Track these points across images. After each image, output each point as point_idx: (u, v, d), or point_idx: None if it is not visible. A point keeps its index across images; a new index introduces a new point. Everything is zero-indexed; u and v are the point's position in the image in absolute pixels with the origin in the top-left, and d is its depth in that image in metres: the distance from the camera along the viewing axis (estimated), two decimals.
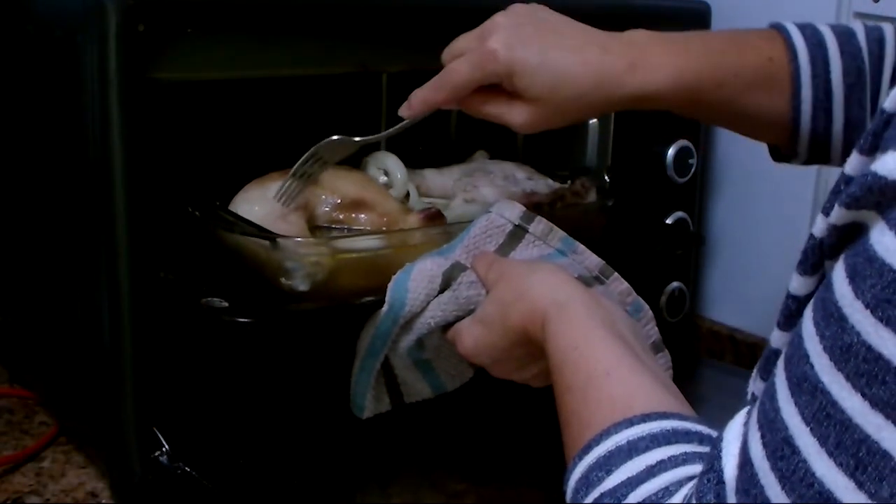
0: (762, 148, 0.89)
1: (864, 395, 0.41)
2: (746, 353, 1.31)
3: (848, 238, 0.45)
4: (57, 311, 0.96)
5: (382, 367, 0.83)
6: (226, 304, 0.79)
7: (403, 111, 0.83)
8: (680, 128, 1.19)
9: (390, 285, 0.79)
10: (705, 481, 0.47)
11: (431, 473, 1.01)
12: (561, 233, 0.85)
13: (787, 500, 0.43)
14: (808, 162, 0.86)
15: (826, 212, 0.48)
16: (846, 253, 0.44)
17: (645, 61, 0.79)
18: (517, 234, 0.84)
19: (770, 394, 0.46)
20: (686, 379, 1.03)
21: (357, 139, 0.87)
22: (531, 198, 0.93)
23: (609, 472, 0.52)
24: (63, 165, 0.87)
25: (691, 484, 0.49)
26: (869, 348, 0.41)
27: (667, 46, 0.80)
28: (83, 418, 0.95)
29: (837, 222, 0.45)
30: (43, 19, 0.89)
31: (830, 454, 0.42)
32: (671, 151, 1.18)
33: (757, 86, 0.82)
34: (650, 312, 0.84)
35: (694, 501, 0.47)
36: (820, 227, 0.49)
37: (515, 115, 0.79)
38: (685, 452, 0.52)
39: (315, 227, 0.87)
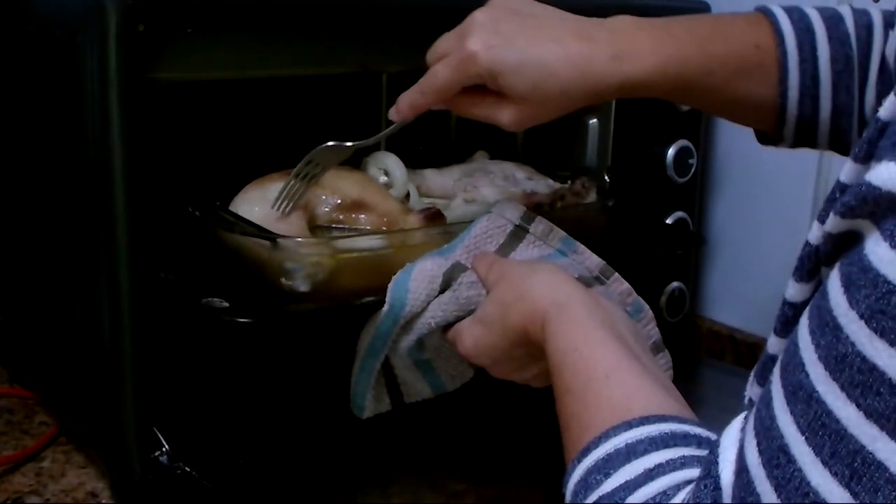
0: (762, 148, 0.89)
1: (858, 405, 0.41)
2: (746, 353, 1.31)
3: (843, 246, 0.45)
4: (57, 311, 0.96)
5: (383, 367, 0.83)
6: (226, 305, 0.79)
7: (392, 115, 0.82)
8: (680, 128, 1.19)
9: (391, 286, 0.79)
10: (702, 486, 0.47)
11: (431, 473, 1.01)
12: (561, 233, 0.85)
13: None
14: (794, 146, 0.85)
15: (821, 219, 0.47)
16: (841, 261, 0.44)
17: (629, 50, 0.77)
18: (518, 234, 0.84)
19: (766, 401, 0.46)
20: (686, 379, 1.03)
21: (349, 144, 0.86)
22: (531, 198, 0.93)
23: (607, 475, 0.52)
24: (63, 165, 0.87)
25: (689, 488, 0.49)
26: (863, 359, 0.40)
27: (652, 33, 0.78)
28: (83, 418, 0.95)
29: (833, 230, 0.45)
30: (43, 19, 0.89)
31: (825, 464, 0.41)
32: (671, 151, 1.18)
33: (744, 73, 0.81)
34: (650, 313, 0.84)
35: None
36: (815, 234, 0.49)
37: (503, 114, 0.78)
38: (683, 456, 0.52)
39: (315, 227, 0.87)
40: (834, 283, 0.43)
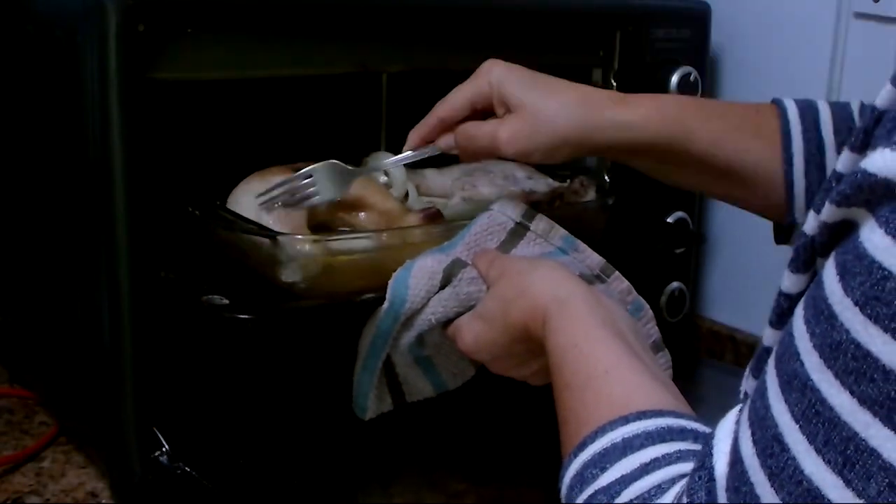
0: None
1: (852, 392, 0.41)
2: (746, 353, 1.31)
3: (839, 236, 0.45)
4: (57, 311, 0.96)
5: (384, 366, 0.83)
6: (226, 302, 0.79)
7: (406, 147, 0.88)
8: None
9: (391, 282, 0.79)
10: (696, 479, 0.47)
11: (432, 473, 1.01)
12: (562, 231, 0.85)
13: (777, 498, 0.43)
14: None
15: (817, 209, 0.48)
16: (837, 250, 0.44)
17: (628, 97, 0.83)
18: (518, 231, 0.84)
19: (761, 391, 0.46)
20: (686, 379, 1.03)
21: (352, 168, 0.88)
22: (530, 197, 0.93)
23: (603, 470, 0.52)
24: (63, 165, 0.87)
25: (683, 482, 0.49)
26: (858, 346, 0.41)
27: (649, 94, 0.84)
28: (83, 418, 0.95)
29: (828, 220, 0.45)
30: (43, 19, 0.89)
31: (819, 452, 0.41)
32: None
33: (744, 127, 0.82)
34: (650, 312, 0.84)
35: (685, 500, 0.47)
36: (811, 224, 0.49)
37: (501, 130, 0.81)
38: (679, 450, 0.52)
39: (315, 225, 0.87)
40: (829, 271, 0.43)
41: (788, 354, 0.44)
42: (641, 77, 1.13)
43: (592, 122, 0.80)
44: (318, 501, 0.96)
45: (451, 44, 0.98)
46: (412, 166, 0.95)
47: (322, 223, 0.88)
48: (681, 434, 0.53)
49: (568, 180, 1.01)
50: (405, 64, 0.97)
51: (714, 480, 0.46)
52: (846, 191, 0.43)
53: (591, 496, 0.52)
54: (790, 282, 0.52)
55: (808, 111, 0.82)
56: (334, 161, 0.86)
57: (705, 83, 1.18)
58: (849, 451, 0.41)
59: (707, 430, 0.54)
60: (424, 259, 0.80)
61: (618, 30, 1.10)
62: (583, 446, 0.55)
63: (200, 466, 0.87)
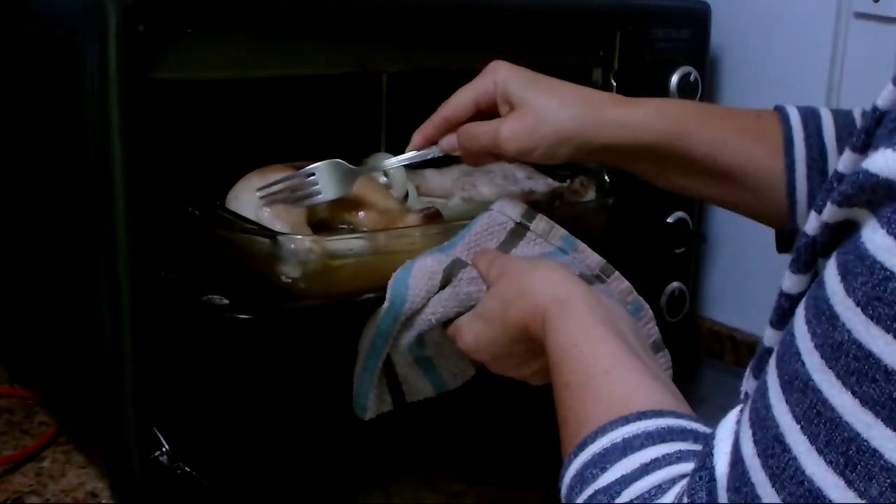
0: None
1: (854, 392, 0.41)
2: (746, 353, 1.31)
3: (840, 236, 0.45)
4: (57, 311, 0.96)
5: (384, 366, 0.83)
6: (226, 302, 0.79)
7: (410, 147, 0.88)
8: None
9: (391, 282, 0.79)
10: (697, 479, 0.47)
11: (432, 473, 1.01)
12: (562, 231, 0.85)
13: (778, 498, 0.43)
14: None
15: (818, 209, 0.48)
16: (838, 251, 0.44)
17: (630, 99, 0.84)
18: (518, 231, 0.84)
19: (762, 391, 0.46)
20: (686, 379, 1.03)
21: (355, 168, 0.88)
22: (530, 196, 0.93)
23: (603, 470, 0.52)
24: (63, 165, 0.87)
25: (684, 482, 0.49)
26: (859, 346, 0.41)
27: (650, 98, 0.85)
28: (83, 418, 0.95)
29: (830, 220, 0.45)
30: (43, 19, 0.89)
31: (820, 452, 0.41)
32: None
33: (746, 132, 0.82)
34: (650, 312, 0.84)
35: (686, 500, 0.47)
36: (812, 224, 0.49)
37: (503, 126, 0.81)
38: (679, 450, 0.52)
39: (314, 224, 0.87)
40: (831, 272, 0.43)
41: (789, 355, 0.44)
42: (641, 77, 1.13)
43: (594, 121, 0.81)
44: (318, 501, 0.96)
45: (450, 44, 0.98)
46: (412, 166, 0.95)
47: (321, 222, 0.88)
48: (681, 434, 0.53)
49: (568, 180, 1.01)
50: (405, 64, 0.97)
51: (715, 480, 0.46)
52: (848, 191, 0.43)
53: (591, 496, 0.52)
54: (791, 282, 0.52)
55: (811, 117, 0.82)
56: (338, 160, 0.86)
57: (705, 83, 1.18)
58: (850, 452, 0.41)
59: (707, 430, 0.54)
60: (424, 259, 0.80)
61: (618, 30, 1.10)
62: (583, 446, 0.55)
63: (200, 466, 0.87)
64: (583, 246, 0.85)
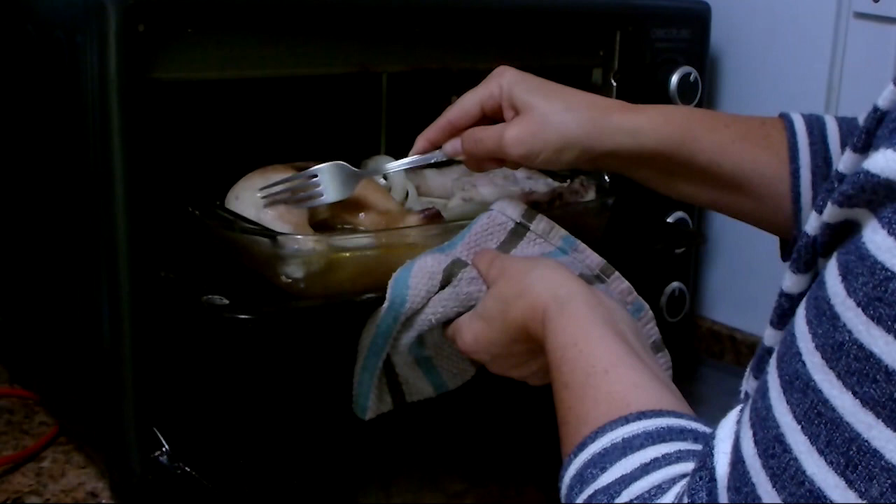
0: None
1: (854, 393, 0.41)
2: (746, 353, 1.31)
3: (841, 236, 0.45)
4: (57, 311, 0.96)
5: (384, 366, 0.83)
6: (226, 302, 0.79)
7: (414, 150, 0.88)
8: None
9: (391, 282, 0.79)
10: (697, 479, 0.47)
11: (432, 473, 1.01)
12: (562, 231, 0.85)
13: (778, 498, 0.43)
14: None
15: (819, 209, 0.48)
16: (839, 251, 0.44)
17: (635, 106, 0.83)
18: (518, 231, 0.84)
19: (762, 392, 0.46)
20: (686, 379, 1.03)
21: (357, 170, 0.88)
22: (530, 197, 0.93)
23: (603, 470, 0.52)
24: (63, 165, 0.87)
25: (684, 482, 0.49)
26: (860, 346, 0.41)
27: (656, 105, 0.85)
28: (83, 418, 0.95)
29: (830, 220, 0.45)
30: (43, 19, 0.89)
31: (821, 452, 0.42)
32: None
33: (751, 138, 0.82)
34: (650, 312, 0.84)
35: (686, 500, 0.47)
36: (813, 224, 0.49)
37: (507, 131, 0.81)
38: (679, 450, 0.52)
39: (315, 224, 0.87)
40: (832, 272, 0.43)
41: (790, 355, 0.44)
42: (641, 77, 1.13)
43: (599, 126, 0.80)
44: (318, 501, 0.96)
45: (451, 44, 0.98)
46: (412, 168, 0.95)
47: (322, 223, 0.88)
48: (681, 434, 0.53)
49: (568, 180, 1.01)
50: (405, 64, 0.97)
51: (715, 481, 0.46)
52: (848, 191, 0.43)
53: (591, 496, 0.52)
54: (792, 282, 0.52)
55: (815, 124, 0.82)
56: (341, 163, 0.86)
57: (705, 83, 1.18)
58: (851, 453, 0.41)
59: (707, 430, 0.54)
60: (424, 259, 0.80)
61: (618, 30, 1.10)
62: (583, 446, 0.55)
63: (200, 466, 0.87)
64: (583, 246, 0.85)
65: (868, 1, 1.13)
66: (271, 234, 0.81)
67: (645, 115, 0.81)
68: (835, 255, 0.44)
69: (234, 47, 0.85)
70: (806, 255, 0.51)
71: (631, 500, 0.50)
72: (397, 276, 0.79)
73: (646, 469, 0.51)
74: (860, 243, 0.42)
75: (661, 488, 0.49)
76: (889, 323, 0.40)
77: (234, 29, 0.85)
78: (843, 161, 0.48)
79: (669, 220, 1.22)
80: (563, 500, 0.55)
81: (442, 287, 0.79)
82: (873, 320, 0.40)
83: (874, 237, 0.41)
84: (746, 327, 1.34)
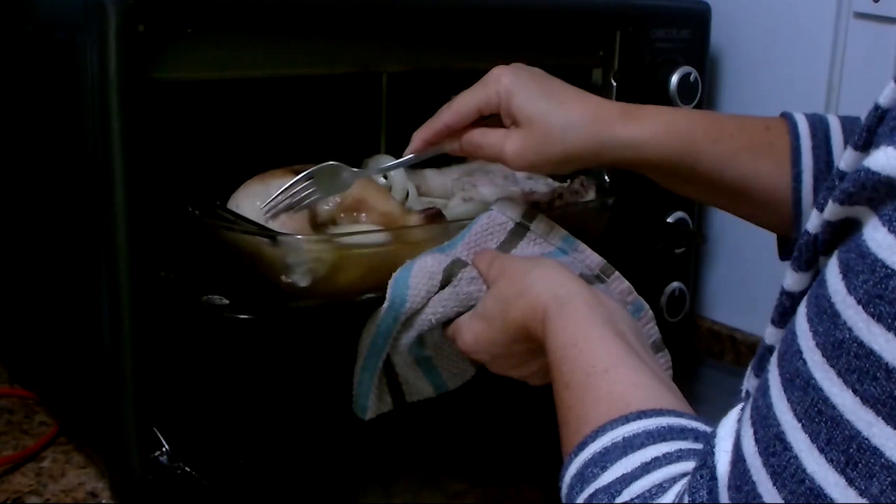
0: None
1: (855, 391, 0.41)
2: (746, 353, 1.31)
3: (842, 234, 0.45)
4: (57, 311, 0.96)
5: (384, 366, 0.83)
6: (226, 302, 0.79)
7: (407, 150, 0.87)
8: None
9: (391, 282, 0.79)
10: (698, 477, 0.47)
11: (432, 473, 1.01)
12: (562, 231, 0.85)
13: (779, 497, 0.43)
14: None
15: (820, 207, 0.48)
16: (840, 249, 0.44)
17: (639, 112, 0.82)
18: (518, 231, 0.84)
19: (763, 390, 0.46)
20: (686, 379, 1.03)
21: (355, 170, 0.87)
22: (530, 197, 0.93)
23: (604, 469, 0.52)
24: (63, 165, 0.87)
25: (684, 480, 0.49)
26: (861, 344, 0.41)
27: (660, 108, 0.84)
28: (83, 418, 0.95)
29: (831, 218, 0.45)
30: (43, 19, 0.89)
31: (821, 450, 0.41)
32: None
33: (754, 147, 0.82)
34: (650, 312, 0.84)
35: (686, 499, 0.47)
36: (814, 222, 0.49)
37: (507, 142, 0.81)
38: (680, 449, 0.52)
39: (316, 226, 0.87)
40: (832, 270, 0.43)
41: (791, 353, 0.44)
42: (641, 77, 1.13)
43: (600, 140, 0.80)
44: (318, 501, 0.96)
45: (451, 44, 0.98)
46: (412, 167, 0.95)
47: (322, 224, 0.88)
48: (681, 433, 0.53)
49: (568, 180, 1.01)
50: (405, 64, 0.97)
51: (716, 479, 0.46)
52: (849, 189, 0.43)
53: (591, 495, 0.52)
54: (793, 280, 0.52)
55: (819, 126, 0.82)
56: (335, 163, 0.86)
57: (705, 83, 1.18)
58: (851, 450, 0.41)
59: (707, 429, 0.54)
60: (424, 259, 0.80)
61: (618, 30, 1.10)
62: (583, 445, 0.55)
63: (200, 466, 0.87)
64: (583, 246, 0.85)
65: (868, 1, 1.13)
66: (271, 235, 0.81)
67: (648, 126, 0.80)
68: (835, 252, 0.44)
69: (234, 47, 0.85)
70: (807, 253, 0.51)
71: (632, 499, 0.50)
72: (397, 276, 0.79)
73: (646, 468, 0.51)
74: (861, 241, 0.42)
75: (661, 487, 0.49)
76: (889, 321, 0.40)
77: (234, 29, 0.85)
78: (845, 159, 0.48)
79: (669, 220, 1.22)
80: (563, 500, 0.55)
81: (442, 287, 0.79)
82: (874, 318, 0.40)
83: (875, 235, 0.41)
84: (746, 327, 1.34)
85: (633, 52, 1.12)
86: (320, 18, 0.89)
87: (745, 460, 0.45)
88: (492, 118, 0.83)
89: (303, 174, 0.85)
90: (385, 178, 0.98)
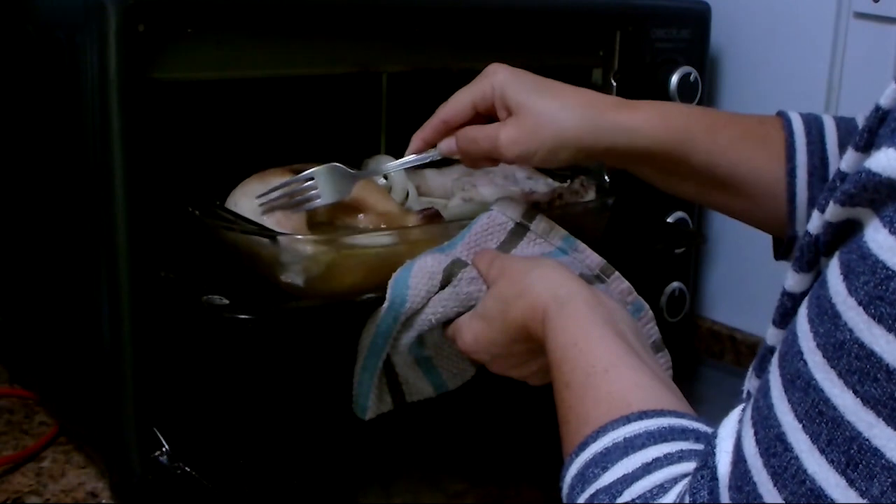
0: None
1: (855, 392, 0.41)
2: (746, 353, 1.31)
3: (843, 235, 0.45)
4: (57, 311, 0.96)
5: (384, 366, 0.83)
6: (226, 302, 0.79)
7: (409, 150, 0.87)
8: None
9: (391, 282, 0.79)
10: (699, 478, 0.47)
11: (432, 473, 1.01)
12: (562, 231, 0.85)
13: (780, 497, 0.43)
14: None
15: (821, 208, 0.48)
16: (841, 250, 0.44)
17: (634, 103, 0.82)
18: (518, 231, 0.84)
19: (764, 390, 0.46)
20: (686, 379, 1.03)
21: (354, 172, 0.87)
22: (530, 197, 0.93)
23: (605, 469, 0.52)
24: (63, 165, 0.87)
25: (685, 481, 0.49)
26: (861, 345, 0.41)
27: (655, 101, 0.84)
28: (83, 418, 0.95)
29: (832, 219, 0.45)
30: (43, 19, 0.89)
31: (822, 451, 0.42)
32: None
33: (748, 139, 0.82)
34: (650, 312, 0.84)
35: (688, 499, 0.47)
36: (815, 223, 0.49)
37: (501, 133, 0.81)
38: (681, 450, 0.52)
39: (314, 226, 0.87)
40: (833, 271, 0.43)
41: (792, 353, 0.44)
42: (641, 77, 1.13)
43: (594, 125, 0.80)
44: (318, 501, 0.96)
45: (451, 44, 0.98)
46: (412, 167, 0.95)
47: (321, 224, 0.88)
48: (682, 434, 0.53)
49: (568, 180, 1.01)
50: (405, 64, 0.97)
51: (717, 480, 0.46)
52: (850, 190, 0.43)
53: (592, 495, 0.52)
54: (794, 281, 0.52)
55: (814, 124, 0.82)
56: (336, 164, 0.86)
57: (705, 83, 1.18)
58: (852, 451, 0.41)
59: (708, 429, 0.54)
60: (424, 259, 0.80)
61: (618, 30, 1.10)
62: (584, 446, 0.55)
63: (200, 466, 0.87)
64: (583, 246, 0.85)
65: (868, 1, 1.13)
66: (271, 235, 0.81)
67: (642, 114, 0.81)
68: (836, 254, 0.44)
69: (234, 47, 0.85)
70: (808, 254, 0.51)
71: (633, 500, 0.50)
72: (397, 276, 0.79)
73: (647, 468, 0.51)
74: (862, 242, 0.42)
75: (662, 487, 0.49)
76: (890, 322, 0.40)
77: (234, 29, 0.84)
78: (845, 160, 0.48)
79: (669, 220, 1.22)
80: (564, 500, 0.55)
81: (442, 287, 0.79)
82: (874, 319, 0.40)
83: (876, 236, 0.41)
84: (746, 327, 1.34)
85: (633, 52, 1.12)
86: (320, 18, 0.89)
87: (745, 461, 0.45)
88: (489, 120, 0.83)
89: (302, 174, 0.85)
90: (385, 178, 0.98)
